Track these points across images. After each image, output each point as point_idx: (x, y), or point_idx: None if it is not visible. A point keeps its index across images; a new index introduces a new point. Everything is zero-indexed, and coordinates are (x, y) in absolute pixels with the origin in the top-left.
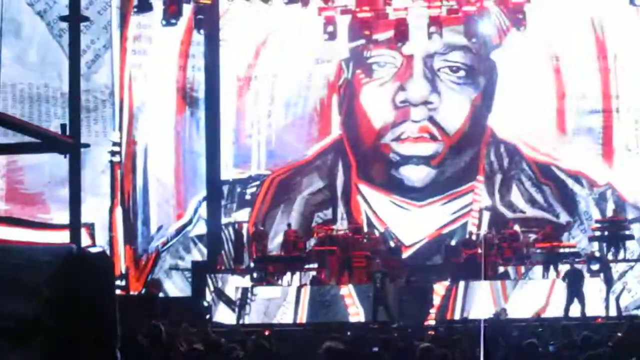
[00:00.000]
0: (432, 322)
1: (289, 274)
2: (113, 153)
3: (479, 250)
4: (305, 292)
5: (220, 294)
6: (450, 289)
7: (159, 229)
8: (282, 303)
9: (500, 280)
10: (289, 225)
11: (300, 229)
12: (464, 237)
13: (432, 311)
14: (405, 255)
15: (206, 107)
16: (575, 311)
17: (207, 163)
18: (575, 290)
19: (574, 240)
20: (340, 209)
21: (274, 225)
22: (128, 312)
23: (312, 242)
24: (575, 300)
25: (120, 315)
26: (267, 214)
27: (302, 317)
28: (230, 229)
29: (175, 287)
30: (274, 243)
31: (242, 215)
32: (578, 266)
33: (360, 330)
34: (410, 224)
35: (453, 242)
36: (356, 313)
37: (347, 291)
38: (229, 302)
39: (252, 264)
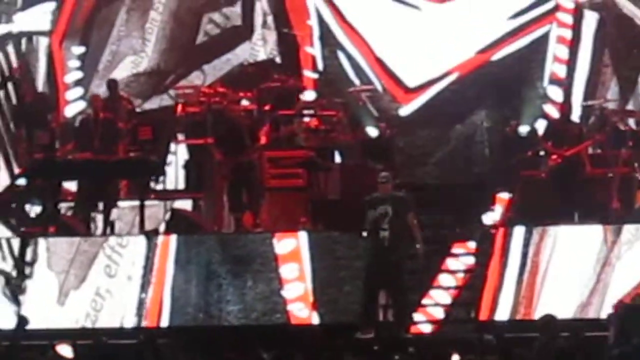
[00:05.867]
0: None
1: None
2: None
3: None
4: (166, 252)
5: None
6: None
7: None
8: (110, 280)
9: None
10: (111, 84)
11: (167, 62)
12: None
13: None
14: (403, 111)
15: None
16: None
17: None
18: None
19: None
20: (261, 4)
21: (106, 49)
22: None
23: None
24: None
25: None
26: (93, 18)
27: (157, 314)
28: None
29: None
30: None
31: (39, 21)
32: None
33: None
34: (419, 40)
35: (522, 128)
36: (302, 299)
37: (284, 247)
38: None
39: (19, 182)
